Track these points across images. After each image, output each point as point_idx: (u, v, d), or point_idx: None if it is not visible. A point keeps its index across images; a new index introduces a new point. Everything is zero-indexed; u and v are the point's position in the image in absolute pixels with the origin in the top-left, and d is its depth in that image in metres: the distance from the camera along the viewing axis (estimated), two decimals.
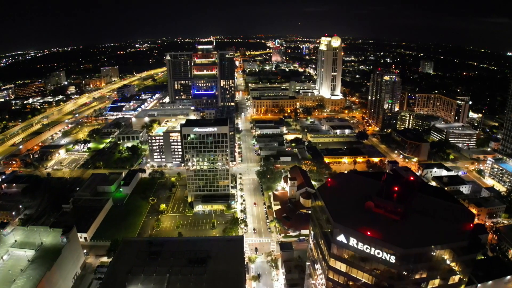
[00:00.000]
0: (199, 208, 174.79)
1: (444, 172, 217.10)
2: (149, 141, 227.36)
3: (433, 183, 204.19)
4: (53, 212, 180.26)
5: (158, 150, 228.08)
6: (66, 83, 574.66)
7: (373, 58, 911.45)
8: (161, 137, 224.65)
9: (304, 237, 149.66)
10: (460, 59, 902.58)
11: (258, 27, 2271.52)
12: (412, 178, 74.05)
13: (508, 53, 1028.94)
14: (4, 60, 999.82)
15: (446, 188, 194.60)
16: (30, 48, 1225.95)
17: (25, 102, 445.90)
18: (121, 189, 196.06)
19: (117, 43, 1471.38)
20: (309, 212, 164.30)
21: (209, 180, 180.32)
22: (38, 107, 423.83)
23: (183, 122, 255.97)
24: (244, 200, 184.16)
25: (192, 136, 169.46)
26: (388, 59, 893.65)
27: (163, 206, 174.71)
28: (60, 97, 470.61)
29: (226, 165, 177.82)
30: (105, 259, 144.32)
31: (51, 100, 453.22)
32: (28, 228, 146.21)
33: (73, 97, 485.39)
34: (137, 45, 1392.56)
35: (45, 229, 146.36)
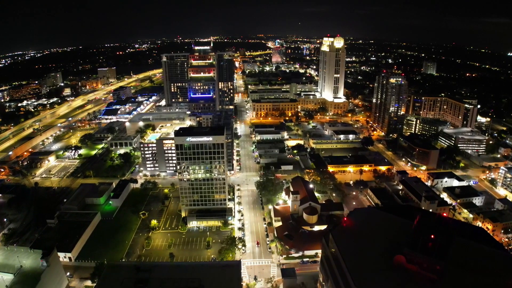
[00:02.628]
0: (193, 224, 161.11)
1: (455, 182, 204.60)
2: (142, 149, 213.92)
3: (444, 195, 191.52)
4: (37, 227, 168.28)
5: (151, 159, 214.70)
6: (62, 84, 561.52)
7: (374, 58, 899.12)
8: (154, 145, 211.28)
9: (308, 259, 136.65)
10: (462, 60, 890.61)
11: (258, 27, 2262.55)
12: (445, 214, 60.78)
13: (509, 54, 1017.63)
14: (3, 60, 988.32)
15: (458, 201, 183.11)
16: (29, 48, 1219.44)
17: (19, 104, 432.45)
18: (110, 202, 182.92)
19: (117, 43, 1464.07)
20: (313, 229, 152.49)
21: (204, 194, 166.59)
22: (32, 109, 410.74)
23: (178, 128, 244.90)
24: (242, 215, 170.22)
25: (186, 145, 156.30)
26: (390, 60, 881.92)
27: (154, 222, 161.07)
28: (55, 99, 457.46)
29: (223, 176, 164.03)
30: (89, 283, 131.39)
31: (46, 102, 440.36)
32: (8, 248, 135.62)
33: (68, 99, 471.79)
34: (136, 46, 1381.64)
35: (25, 250, 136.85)
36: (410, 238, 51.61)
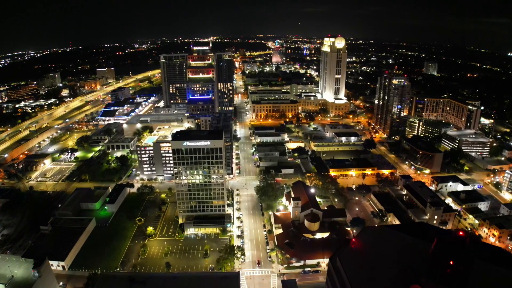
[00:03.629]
0: (191, 231, 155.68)
1: (460, 187, 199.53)
2: (138, 152, 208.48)
3: (449, 200, 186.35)
4: (31, 233, 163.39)
5: (148, 162, 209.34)
6: (60, 85, 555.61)
7: (374, 59, 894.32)
8: (151, 148, 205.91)
9: (309, 269, 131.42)
10: (463, 60, 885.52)
11: (258, 28, 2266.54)
12: (462, 233, 55.80)
13: (509, 54, 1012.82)
14: (2, 60, 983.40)
15: (463, 206, 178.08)
16: (29, 48, 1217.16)
17: (17, 105, 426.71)
18: (106, 207, 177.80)
19: (117, 43, 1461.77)
20: (315, 237, 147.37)
21: (202, 200, 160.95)
22: (30, 111, 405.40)
23: (177, 130, 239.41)
24: (241, 222, 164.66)
25: (183, 149, 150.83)
26: (390, 60, 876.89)
27: (150, 229, 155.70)
28: (53, 100, 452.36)
29: (221, 182, 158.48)
30: None
31: (43, 103, 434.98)
32: (0, 256, 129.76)
33: (66, 100, 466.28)
34: (136, 46, 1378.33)
35: (16, 259, 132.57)
36: (427, 264, 46.65)
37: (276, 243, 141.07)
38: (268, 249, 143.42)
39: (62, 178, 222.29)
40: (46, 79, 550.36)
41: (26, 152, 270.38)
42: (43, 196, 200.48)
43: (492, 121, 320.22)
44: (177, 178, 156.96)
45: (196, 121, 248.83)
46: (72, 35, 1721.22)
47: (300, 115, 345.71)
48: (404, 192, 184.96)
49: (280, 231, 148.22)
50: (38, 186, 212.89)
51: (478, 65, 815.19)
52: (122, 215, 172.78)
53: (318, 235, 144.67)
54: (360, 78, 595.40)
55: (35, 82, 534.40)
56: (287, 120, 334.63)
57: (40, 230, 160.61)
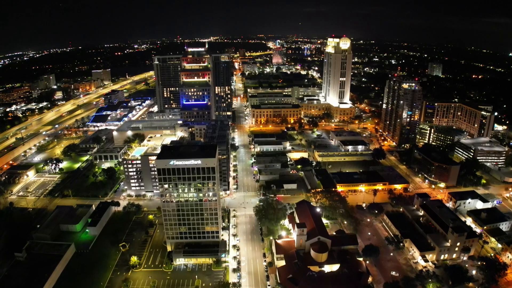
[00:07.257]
0: (180, 261, 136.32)
1: (479, 204, 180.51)
2: (125, 166, 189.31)
3: (469, 220, 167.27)
4: (7, 259, 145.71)
5: (135, 177, 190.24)
6: (55, 87, 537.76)
7: (377, 59, 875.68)
8: (139, 162, 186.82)
9: None
10: (465, 61, 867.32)
11: (258, 28, 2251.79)
12: None
13: (510, 54, 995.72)
14: (1, 61, 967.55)
15: (485, 227, 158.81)
16: (29, 48, 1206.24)
17: (8, 109, 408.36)
18: (87, 230, 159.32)
19: (116, 43, 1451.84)
20: (322, 269, 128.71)
21: (192, 225, 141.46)
22: (20, 115, 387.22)
23: (169, 139, 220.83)
24: (238, 251, 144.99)
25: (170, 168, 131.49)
26: (393, 61, 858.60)
27: (134, 259, 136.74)
28: (45, 103, 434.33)
29: (215, 206, 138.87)
30: None
31: (34, 107, 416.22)
32: None
33: (58, 103, 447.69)
34: (135, 46, 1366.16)
35: None
36: None
37: (278, 279, 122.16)
38: (269, 286, 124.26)
39: (44, 192, 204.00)
40: (40, 81, 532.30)
41: (11, 162, 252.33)
42: (22, 214, 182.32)
43: (505, 127, 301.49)
44: (164, 201, 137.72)
45: (190, 129, 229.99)
46: (72, 35, 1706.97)
47: (302, 120, 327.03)
48: (421, 213, 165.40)
49: (283, 262, 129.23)
50: (18, 202, 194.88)
51: (481, 65, 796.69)
52: (105, 239, 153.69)
53: (327, 268, 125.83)
54: (363, 79, 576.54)
55: (29, 84, 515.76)
56: (289, 126, 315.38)
57: (15, 257, 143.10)
